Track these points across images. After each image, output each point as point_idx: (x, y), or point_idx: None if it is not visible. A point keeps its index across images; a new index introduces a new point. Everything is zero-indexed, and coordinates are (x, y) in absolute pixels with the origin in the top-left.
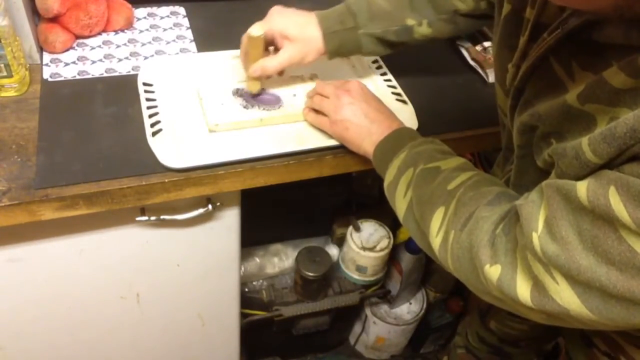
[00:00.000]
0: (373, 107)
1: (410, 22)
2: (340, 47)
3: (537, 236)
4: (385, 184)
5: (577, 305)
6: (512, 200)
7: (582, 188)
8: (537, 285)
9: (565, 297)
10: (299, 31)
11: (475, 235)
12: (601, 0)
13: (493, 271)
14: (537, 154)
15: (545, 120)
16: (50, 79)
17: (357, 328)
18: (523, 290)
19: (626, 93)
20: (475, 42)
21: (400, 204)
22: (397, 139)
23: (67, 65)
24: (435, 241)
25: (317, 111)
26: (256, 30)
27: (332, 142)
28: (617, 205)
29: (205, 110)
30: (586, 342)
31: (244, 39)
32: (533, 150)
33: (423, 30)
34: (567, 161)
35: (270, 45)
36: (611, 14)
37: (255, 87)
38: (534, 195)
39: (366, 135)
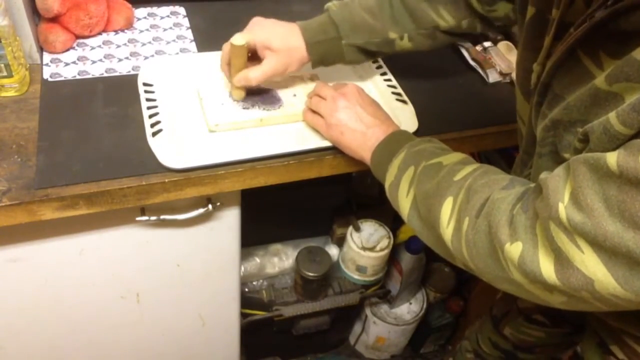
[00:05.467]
0: (368, 112)
1: (393, 35)
2: (324, 57)
3: (564, 206)
4: (386, 185)
5: (602, 274)
6: (525, 184)
7: (612, 156)
8: (561, 257)
9: (591, 266)
10: (281, 42)
11: (493, 217)
12: None
13: (514, 249)
14: (565, 147)
15: (573, 109)
16: (50, 79)
17: (357, 328)
18: (546, 265)
19: None
20: (476, 42)
21: (403, 203)
22: (394, 141)
23: (67, 65)
24: (447, 232)
25: (315, 112)
26: (239, 39)
27: None
28: None
29: (206, 110)
30: (603, 350)
31: (226, 47)
32: (558, 147)
33: (404, 44)
34: (596, 137)
35: (251, 53)
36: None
37: (239, 96)
38: (560, 170)
39: (362, 141)
